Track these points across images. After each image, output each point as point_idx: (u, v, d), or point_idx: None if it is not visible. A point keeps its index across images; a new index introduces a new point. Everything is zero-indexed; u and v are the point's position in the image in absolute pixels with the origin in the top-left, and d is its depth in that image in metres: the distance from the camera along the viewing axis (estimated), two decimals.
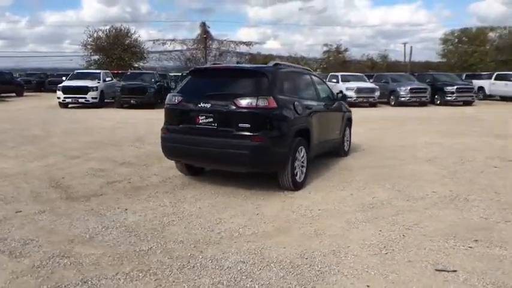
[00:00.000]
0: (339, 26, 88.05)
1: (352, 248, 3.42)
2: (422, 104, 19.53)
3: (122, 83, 18.17)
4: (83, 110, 16.92)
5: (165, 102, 5.29)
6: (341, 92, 8.02)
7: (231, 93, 4.83)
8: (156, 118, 14.56)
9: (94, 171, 6.10)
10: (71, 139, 9.10)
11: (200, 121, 4.88)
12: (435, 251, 3.36)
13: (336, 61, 43.84)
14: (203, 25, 42.56)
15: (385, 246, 3.46)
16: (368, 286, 2.80)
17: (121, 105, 18.07)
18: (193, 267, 3.06)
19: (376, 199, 4.83)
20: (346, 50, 44.81)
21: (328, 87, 7.33)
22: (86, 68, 33.11)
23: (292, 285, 2.82)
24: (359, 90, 18.74)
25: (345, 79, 20.19)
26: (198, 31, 43.27)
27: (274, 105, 4.69)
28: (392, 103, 19.74)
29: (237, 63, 7.30)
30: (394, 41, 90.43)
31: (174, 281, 2.84)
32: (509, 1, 77.25)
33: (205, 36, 42.58)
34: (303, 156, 5.27)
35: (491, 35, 43.53)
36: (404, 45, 50.93)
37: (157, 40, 42.61)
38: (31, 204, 4.52)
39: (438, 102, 19.76)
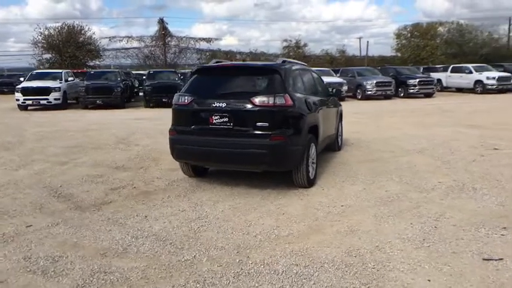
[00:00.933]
0: (294, 21, 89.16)
1: (394, 243, 3.46)
2: (387, 97, 20.26)
3: (86, 82, 17.28)
4: (47, 113, 15.90)
5: (173, 103, 5.07)
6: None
7: (246, 91, 4.72)
8: (130, 118, 14.13)
9: (91, 177, 5.74)
10: (48, 144, 8.52)
11: (214, 121, 4.72)
12: (473, 241, 3.47)
13: (296, 56, 44.45)
14: (161, 21, 41.41)
15: (424, 239, 3.53)
16: (429, 280, 2.84)
17: (86, 106, 17.24)
18: (248, 273, 2.96)
19: (390, 192, 4.92)
20: (305, 45, 45.54)
21: (324, 82, 7.39)
22: (38, 68, 31.24)
23: (356, 285, 2.80)
24: (328, 85, 19.06)
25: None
26: (153, 28, 42.24)
27: (291, 102, 4.64)
28: (359, 97, 20.32)
29: (217, 62, 6.95)
30: (348, 36, 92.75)
31: None
32: None
33: (163, 32, 41.51)
34: (313, 153, 5.27)
35: (441, 29, 46.07)
36: (360, 40, 52.61)
37: (114, 37, 40.95)
38: (39, 216, 4.17)
39: (402, 94, 20.58)
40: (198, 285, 2.78)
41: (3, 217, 4.14)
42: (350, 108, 16.24)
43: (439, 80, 23.83)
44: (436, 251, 3.31)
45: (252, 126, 4.59)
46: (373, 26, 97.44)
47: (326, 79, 19.18)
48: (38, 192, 5.00)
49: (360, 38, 53.59)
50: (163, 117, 13.82)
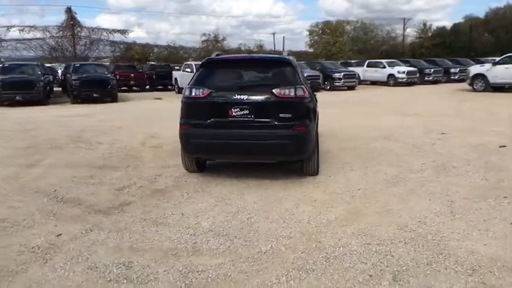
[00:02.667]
0: (204, 15, 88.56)
1: (431, 217, 3.83)
2: (316, 90, 21.35)
3: (1, 76, 15.24)
4: None
5: (184, 96, 4.87)
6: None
7: (266, 83, 4.76)
8: (64, 115, 12.87)
9: (81, 179, 5.24)
10: None
11: (234, 114, 4.67)
12: (490, 209, 4.02)
13: (215, 50, 44.53)
14: (69, 11, 38.06)
15: (451, 212, 3.98)
16: (485, 245, 3.26)
17: (1, 103, 15.24)
18: (336, 256, 3.06)
19: (390, 175, 5.36)
20: (224, 39, 45.68)
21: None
22: None
23: (431, 255, 3.08)
24: (307, 78, 19.65)
25: None
26: (52, 16, 38.59)
27: (308, 94, 4.81)
28: None
29: (217, 54, 6.81)
30: (257, 31, 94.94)
31: (346, 270, 2.83)
32: None
33: (72, 23, 38.20)
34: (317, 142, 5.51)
35: (348, 27, 49.91)
36: (274, 35, 54.48)
37: (12, 26, 36.55)
38: (60, 224, 3.73)
39: (328, 87, 21.97)
40: (301, 272, 2.82)
41: (19, 228, 3.63)
42: None
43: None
44: (469, 220, 3.77)
45: (274, 117, 4.65)
46: (280, 22, 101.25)
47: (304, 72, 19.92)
48: (35, 199, 4.43)
49: (274, 34, 55.45)
50: (97, 113, 12.97)
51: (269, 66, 5.11)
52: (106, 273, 2.81)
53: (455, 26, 49.58)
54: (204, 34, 45.53)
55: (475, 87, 17.82)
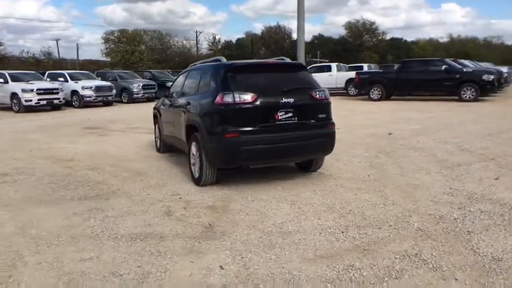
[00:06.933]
0: None
1: (468, 187, 4.48)
2: (150, 100, 20.42)
3: None
4: None
5: (224, 102, 4.27)
6: None
7: (302, 86, 4.75)
8: None
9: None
10: None
11: (279, 117, 4.46)
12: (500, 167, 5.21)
13: None
14: None
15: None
16: None
17: None
18: (448, 232, 3.34)
19: (382, 161, 5.96)
20: (0, 44, 37.93)
21: None
22: None
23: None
24: (98, 89, 17.56)
25: (75, 77, 18.21)
26: None
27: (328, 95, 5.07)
28: (125, 100, 19.71)
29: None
30: (23, 36, 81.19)
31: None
32: (128, 8, 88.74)
33: None
34: None
35: (146, 37, 49.41)
36: (57, 42, 48.68)
37: None
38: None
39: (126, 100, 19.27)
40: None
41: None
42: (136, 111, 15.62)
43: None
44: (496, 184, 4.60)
45: (313, 118, 4.70)
46: (53, 28, 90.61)
47: (93, 83, 17.76)
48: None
49: (57, 40, 49.40)
50: None
51: (291, 70, 5.07)
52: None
53: (239, 40, 56.45)
54: None
55: None
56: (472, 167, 5.40)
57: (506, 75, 18.84)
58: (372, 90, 16.68)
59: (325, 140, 4.83)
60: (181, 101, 5.50)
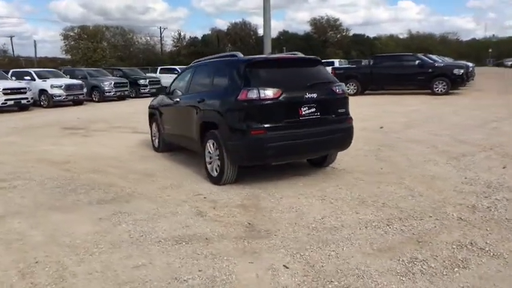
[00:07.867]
0: None
1: (482, 176, 4.63)
2: (121, 98, 19.77)
3: None
4: None
5: (248, 98, 4.15)
6: None
7: (322, 81, 4.71)
8: None
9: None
10: None
11: (303, 112, 4.41)
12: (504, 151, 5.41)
13: None
14: None
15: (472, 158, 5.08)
16: None
17: None
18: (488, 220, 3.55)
19: (387, 154, 6.10)
20: None
21: None
22: None
23: None
24: (68, 88, 16.72)
25: (42, 75, 17.24)
26: None
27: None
28: (96, 99, 18.93)
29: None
30: None
31: None
32: (84, 3, 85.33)
33: None
34: None
35: (108, 33, 47.62)
36: (11, 39, 46.05)
37: None
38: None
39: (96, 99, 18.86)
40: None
41: None
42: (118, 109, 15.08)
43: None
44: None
45: (333, 113, 4.69)
46: (4, 24, 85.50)
47: (62, 81, 16.93)
48: None
49: (11, 37, 46.67)
50: None
51: (309, 65, 4.99)
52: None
53: (205, 37, 55.74)
54: None
55: None
56: (476, 157, 5.60)
57: (471, 69, 19.80)
58: (348, 85, 16.97)
59: (345, 135, 4.83)
60: (191, 98, 5.32)
